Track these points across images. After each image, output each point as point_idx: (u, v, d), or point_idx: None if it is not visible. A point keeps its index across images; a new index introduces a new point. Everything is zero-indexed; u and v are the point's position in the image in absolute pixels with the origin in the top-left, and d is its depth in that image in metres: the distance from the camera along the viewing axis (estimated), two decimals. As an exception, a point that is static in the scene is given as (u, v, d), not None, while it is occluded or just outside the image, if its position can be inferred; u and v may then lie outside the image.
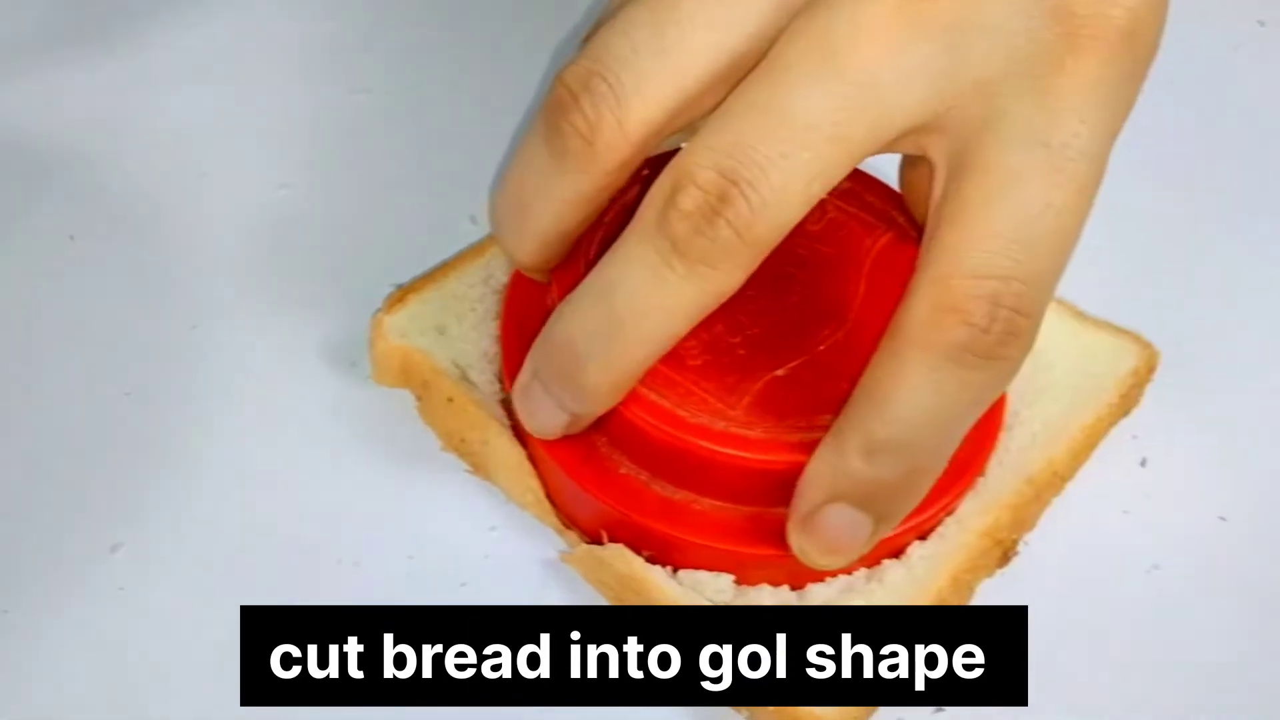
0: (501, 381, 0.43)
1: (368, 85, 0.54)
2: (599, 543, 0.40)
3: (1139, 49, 0.34)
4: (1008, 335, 0.33)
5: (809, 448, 0.36)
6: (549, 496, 0.41)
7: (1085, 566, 0.42)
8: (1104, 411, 0.44)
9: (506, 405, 0.42)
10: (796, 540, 0.37)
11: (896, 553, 0.40)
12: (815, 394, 0.38)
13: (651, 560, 0.39)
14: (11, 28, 0.55)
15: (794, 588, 0.39)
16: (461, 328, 0.44)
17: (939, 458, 0.36)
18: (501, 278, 0.45)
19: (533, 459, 0.41)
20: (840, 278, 0.41)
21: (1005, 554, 0.41)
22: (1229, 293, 0.50)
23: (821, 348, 0.39)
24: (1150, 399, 0.45)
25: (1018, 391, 0.43)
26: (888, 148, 0.35)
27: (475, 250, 0.46)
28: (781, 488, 0.37)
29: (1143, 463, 0.44)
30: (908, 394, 0.34)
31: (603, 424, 0.39)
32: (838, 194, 0.39)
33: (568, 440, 0.39)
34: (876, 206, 0.42)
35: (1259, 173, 0.54)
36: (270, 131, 0.52)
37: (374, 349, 0.44)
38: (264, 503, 0.42)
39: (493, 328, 0.44)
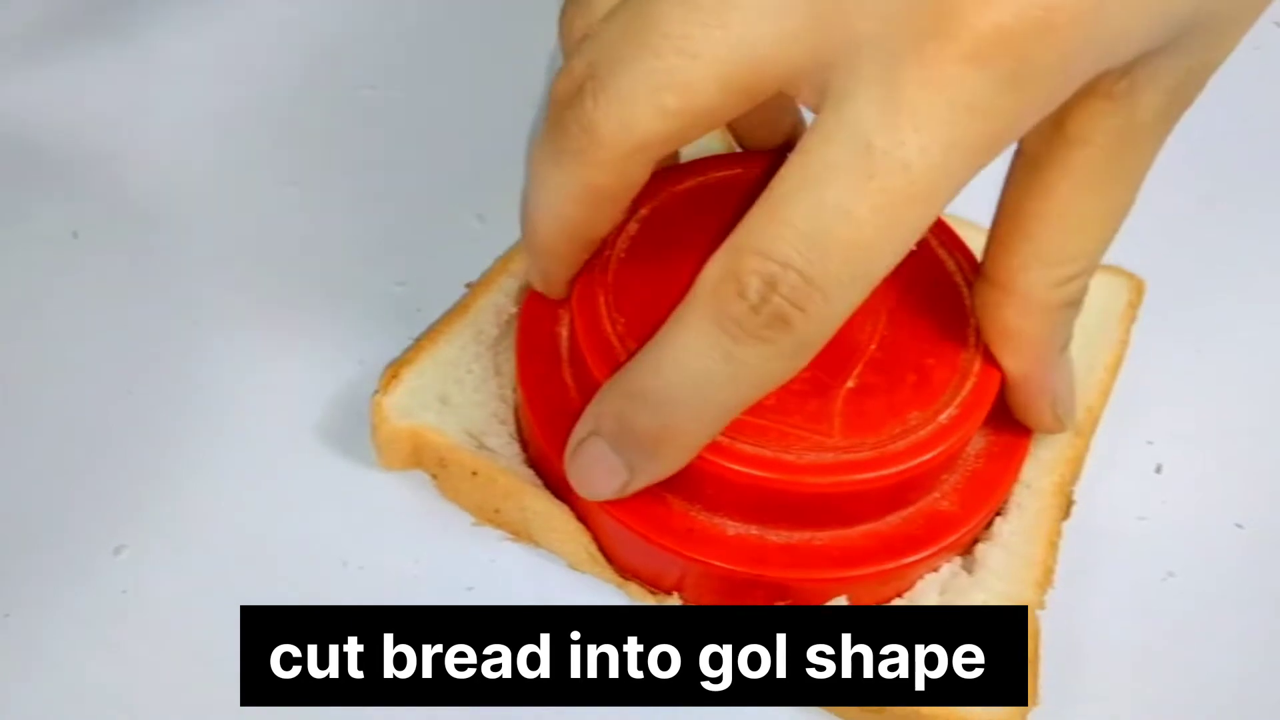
0: (520, 441, 0.42)
1: (374, 81, 0.54)
2: (668, 593, 0.40)
3: (1022, 65, 0.30)
4: (776, 320, 0.32)
5: (919, 448, 0.37)
6: (602, 551, 0.40)
7: (1101, 573, 0.42)
8: (1117, 349, 0.45)
9: (534, 465, 0.41)
10: (566, 467, 0.37)
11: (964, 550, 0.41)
12: (893, 395, 0.38)
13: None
14: (14, 22, 0.55)
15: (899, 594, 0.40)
16: (464, 393, 0.43)
17: (693, 426, 0.35)
18: (492, 331, 0.44)
19: (580, 514, 0.40)
20: None
21: (1068, 506, 0.42)
22: (1249, 301, 0.49)
23: (872, 346, 0.39)
24: (1165, 405, 0.45)
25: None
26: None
27: (459, 310, 0.45)
28: (894, 498, 0.38)
29: (1158, 469, 0.44)
30: (677, 351, 0.34)
31: (697, 492, 0.38)
32: None
33: (657, 518, 0.38)
34: None
35: (1276, 178, 0.54)
36: (276, 127, 0.52)
37: (377, 434, 0.42)
38: (269, 504, 0.42)
39: (495, 386, 0.43)
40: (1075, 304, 0.38)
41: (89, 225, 0.48)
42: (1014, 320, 0.38)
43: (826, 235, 0.31)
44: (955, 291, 0.41)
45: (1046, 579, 0.40)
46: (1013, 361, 0.39)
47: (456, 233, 0.48)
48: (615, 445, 0.36)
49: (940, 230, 0.42)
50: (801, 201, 0.31)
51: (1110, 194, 0.36)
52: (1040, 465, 0.42)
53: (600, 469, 0.37)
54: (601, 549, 0.40)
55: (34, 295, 0.47)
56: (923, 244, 0.42)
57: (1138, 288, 0.47)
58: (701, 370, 0.33)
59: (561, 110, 0.35)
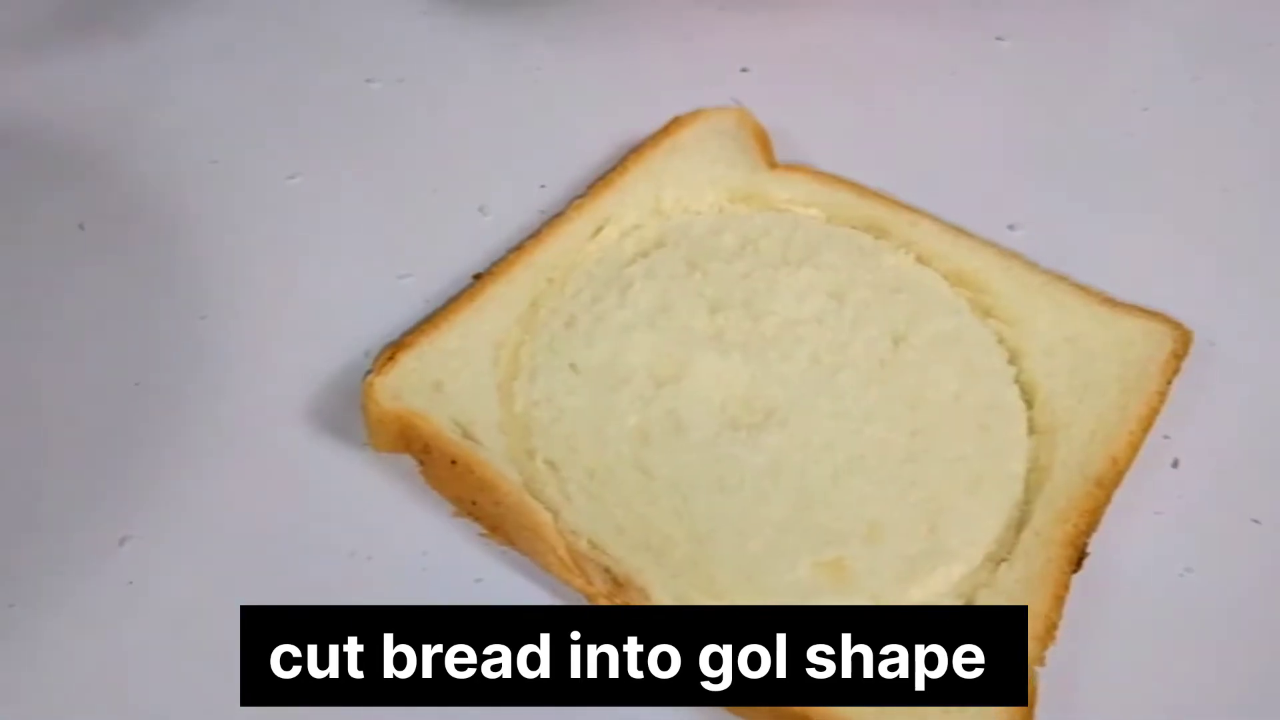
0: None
1: (378, 74, 0.54)
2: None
3: None
4: None
5: None
6: None
7: (1117, 568, 0.41)
8: (1154, 400, 0.43)
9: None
10: None
11: None
12: None
13: None
14: (23, 16, 0.56)
15: None
16: (459, 382, 0.42)
17: None
18: (498, 323, 0.44)
19: None
20: None
21: (1080, 558, 0.40)
22: (1262, 292, 0.49)
23: None
24: (1183, 399, 0.44)
25: (1065, 388, 0.43)
26: None
27: (465, 299, 0.45)
28: None
29: (1175, 464, 0.44)
30: None
31: None
32: None
33: None
34: None
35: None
36: (281, 120, 0.53)
37: (367, 415, 0.42)
38: (276, 494, 0.42)
39: (492, 379, 0.43)
40: None
41: (96, 217, 0.49)
42: None
43: None
44: None
45: (1049, 634, 0.38)
46: None
47: (459, 224, 0.48)
48: None
49: None
50: None
51: None
52: (1054, 513, 0.40)
53: None
54: None
55: (41, 287, 0.47)
56: None
57: (1184, 338, 0.45)
58: None
59: None
